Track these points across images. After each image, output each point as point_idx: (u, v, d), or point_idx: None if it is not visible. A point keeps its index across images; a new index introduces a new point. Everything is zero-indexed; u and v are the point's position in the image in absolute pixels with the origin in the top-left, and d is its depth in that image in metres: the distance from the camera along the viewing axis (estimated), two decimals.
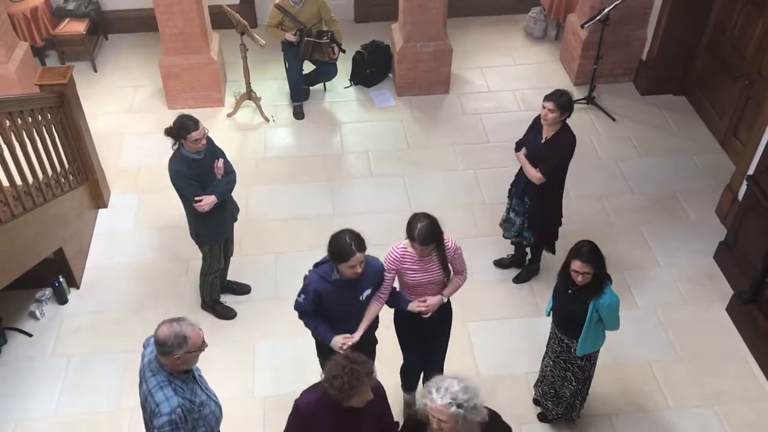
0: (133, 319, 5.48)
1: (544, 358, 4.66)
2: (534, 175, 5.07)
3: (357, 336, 4.10)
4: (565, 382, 4.48)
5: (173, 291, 5.74)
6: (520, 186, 5.34)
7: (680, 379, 5.13)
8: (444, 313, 4.37)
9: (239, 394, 5.03)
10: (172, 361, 3.30)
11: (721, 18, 6.98)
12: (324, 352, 4.19)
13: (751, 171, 5.65)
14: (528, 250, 5.77)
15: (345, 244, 3.80)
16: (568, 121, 5.02)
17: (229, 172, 4.98)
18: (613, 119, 7.43)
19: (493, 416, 3.20)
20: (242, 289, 5.72)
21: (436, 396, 2.97)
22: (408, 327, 4.41)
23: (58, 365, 5.23)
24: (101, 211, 6.42)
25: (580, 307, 4.10)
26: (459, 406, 2.94)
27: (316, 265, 4.10)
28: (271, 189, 6.68)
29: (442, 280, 4.20)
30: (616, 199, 6.53)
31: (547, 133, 5.04)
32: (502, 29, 8.84)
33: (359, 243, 3.83)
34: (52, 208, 5.42)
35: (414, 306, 4.18)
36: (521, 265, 5.87)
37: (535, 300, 5.63)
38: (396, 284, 4.28)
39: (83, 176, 6.10)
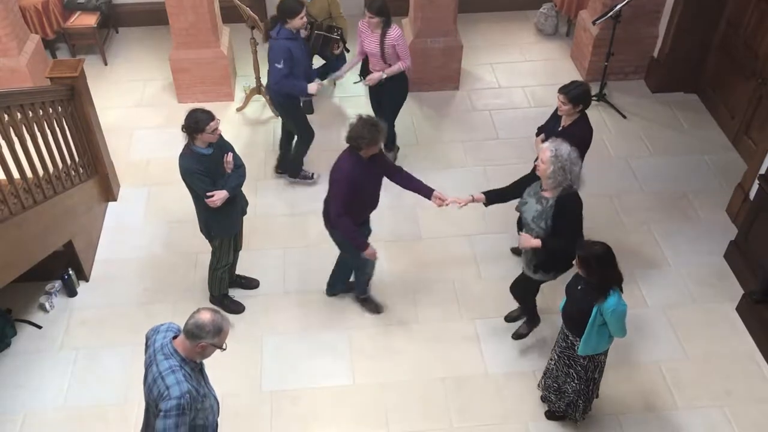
0: (141, 313, 5.50)
1: (552, 350, 4.68)
2: None
3: (326, 81, 6.51)
4: (567, 378, 4.49)
5: (182, 285, 5.75)
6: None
7: (689, 379, 5.11)
8: (394, 82, 6.27)
9: (247, 389, 5.05)
10: (193, 347, 3.35)
11: (734, 16, 6.93)
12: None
13: (763, 170, 5.62)
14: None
15: (293, 4, 5.68)
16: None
17: (239, 166, 4.97)
18: (624, 117, 7.40)
19: (571, 193, 4.31)
20: (251, 284, 5.73)
21: (549, 143, 4.24)
22: (371, 91, 6.51)
23: (67, 357, 5.26)
24: (111, 204, 6.44)
25: (586, 306, 4.11)
26: (554, 157, 4.16)
27: (277, 33, 5.78)
28: (280, 183, 6.69)
29: (379, 54, 6.05)
30: (626, 198, 6.50)
31: (564, 122, 5.06)
32: (513, 25, 8.81)
33: (302, 5, 5.72)
34: (62, 201, 5.44)
35: (363, 82, 6.38)
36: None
37: (545, 299, 5.61)
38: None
39: (93, 169, 6.12)
